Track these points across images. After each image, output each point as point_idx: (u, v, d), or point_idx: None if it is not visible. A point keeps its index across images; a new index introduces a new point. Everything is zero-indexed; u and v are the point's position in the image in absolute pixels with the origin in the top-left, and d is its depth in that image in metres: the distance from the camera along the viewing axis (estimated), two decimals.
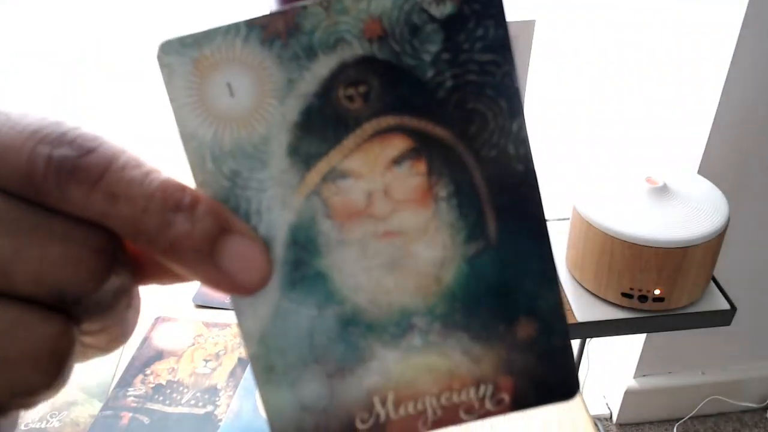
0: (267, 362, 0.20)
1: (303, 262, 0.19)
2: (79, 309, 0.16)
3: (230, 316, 0.65)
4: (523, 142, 0.19)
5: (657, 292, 0.92)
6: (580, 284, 0.99)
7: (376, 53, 0.18)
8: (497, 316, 0.20)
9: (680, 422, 1.45)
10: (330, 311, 0.20)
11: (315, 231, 0.19)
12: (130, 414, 0.56)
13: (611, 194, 0.94)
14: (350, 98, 0.19)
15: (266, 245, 0.19)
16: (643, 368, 1.39)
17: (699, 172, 1.06)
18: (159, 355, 0.61)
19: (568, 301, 0.97)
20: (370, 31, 0.18)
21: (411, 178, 0.19)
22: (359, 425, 0.21)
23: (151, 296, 0.69)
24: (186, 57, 0.18)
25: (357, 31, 0.18)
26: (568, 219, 0.99)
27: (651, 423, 1.47)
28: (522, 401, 0.21)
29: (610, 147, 1.11)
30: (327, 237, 0.19)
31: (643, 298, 0.93)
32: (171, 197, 0.17)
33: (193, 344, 0.63)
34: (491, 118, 0.19)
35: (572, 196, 0.97)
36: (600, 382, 1.47)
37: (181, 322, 0.65)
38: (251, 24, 0.18)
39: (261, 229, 0.19)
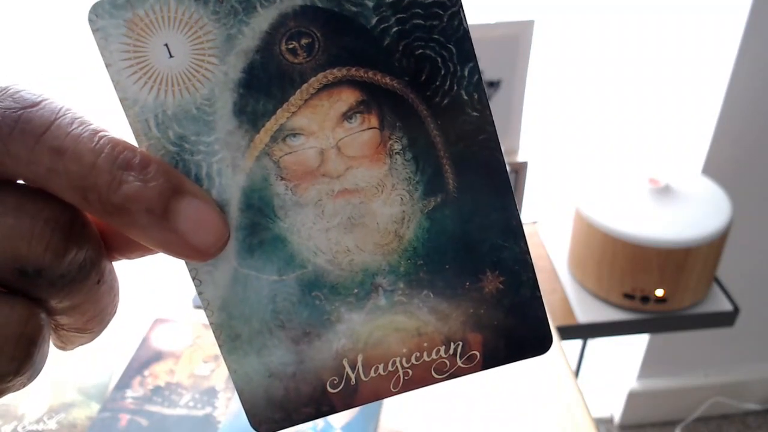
0: (231, 330, 0.20)
1: (259, 227, 0.19)
2: (43, 285, 0.16)
3: None
4: (476, 87, 0.19)
5: (659, 293, 0.91)
6: (581, 285, 0.99)
7: (316, 1, 0.17)
8: (462, 271, 0.20)
9: (683, 424, 1.45)
10: (291, 275, 0.19)
11: (269, 193, 0.19)
12: (129, 416, 0.55)
13: (614, 195, 0.94)
14: (293, 52, 0.18)
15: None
16: (645, 370, 1.38)
17: (703, 172, 1.06)
18: (157, 357, 0.61)
19: (569, 302, 0.97)
20: None
21: (363, 132, 0.19)
22: (330, 389, 0.20)
23: (150, 297, 0.68)
24: (119, 19, 0.17)
25: None
26: (571, 219, 0.98)
27: (653, 425, 1.46)
28: (493, 357, 0.21)
29: (612, 147, 1.11)
30: (282, 199, 0.19)
31: (645, 299, 0.92)
32: (121, 155, 0.16)
33: (192, 345, 0.62)
34: (441, 64, 0.18)
35: (575, 196, 0.96)
36: (602, 384, 1.46)
37: (180, 324, 0.65)
38: None
39: (213, 195, 0.18)
